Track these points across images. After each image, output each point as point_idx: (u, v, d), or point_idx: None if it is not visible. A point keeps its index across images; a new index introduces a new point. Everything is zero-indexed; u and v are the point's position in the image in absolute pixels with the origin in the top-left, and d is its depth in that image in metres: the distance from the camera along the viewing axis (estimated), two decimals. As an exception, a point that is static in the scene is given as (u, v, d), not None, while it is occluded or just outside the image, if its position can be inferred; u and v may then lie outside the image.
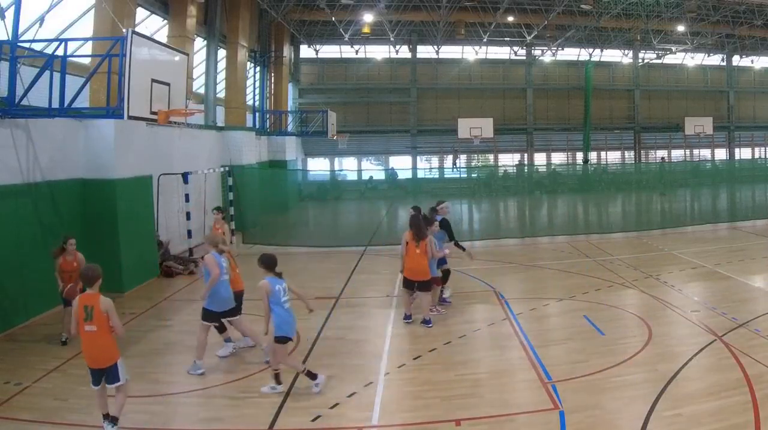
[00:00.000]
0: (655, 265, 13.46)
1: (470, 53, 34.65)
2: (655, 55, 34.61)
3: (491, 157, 36.52)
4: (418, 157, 35.09)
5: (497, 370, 7.68)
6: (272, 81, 27.81)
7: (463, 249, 10.91)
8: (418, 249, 9.33)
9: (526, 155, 36.05)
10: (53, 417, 6.39)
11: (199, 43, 20.26)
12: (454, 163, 34.49)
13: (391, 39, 31.56)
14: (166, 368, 7.94)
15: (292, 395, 6.94)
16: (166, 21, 17.58)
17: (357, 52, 33.38)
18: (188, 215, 15.15)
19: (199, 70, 20.77)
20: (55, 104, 9.66)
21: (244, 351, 8.41)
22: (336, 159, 35.57)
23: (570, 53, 35.25)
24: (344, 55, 34.09)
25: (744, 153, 38.59)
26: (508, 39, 33.58)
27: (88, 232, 11.32)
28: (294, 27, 28.40)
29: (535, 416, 6.29)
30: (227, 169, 18.37)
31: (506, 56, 35.06)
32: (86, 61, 12.46)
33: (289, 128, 28.74)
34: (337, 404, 6.65)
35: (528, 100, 35.60)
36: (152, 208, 13.56)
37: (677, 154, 38.15)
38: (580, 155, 36.00)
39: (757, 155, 38.66)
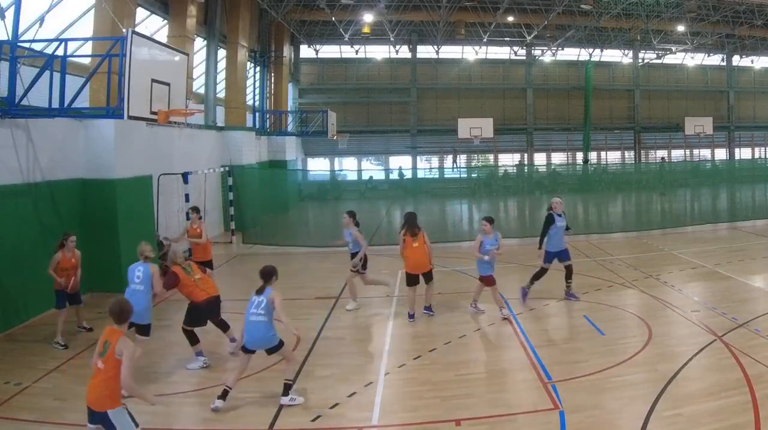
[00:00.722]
0: (655, 265, 13.46)
1: (470, 53, 34.66)
2: (655, 55, 34.62)
3: (491, 157, 36.52)
4: (418, 157, 35.09)
5: (497, 370, 7.69)
6: (272, 81, 27.81)
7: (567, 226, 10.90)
8: (415, 243, 9.67)
9: (526, 155, 36.05)
10: (53, 417, 6.39)
11: (199, 43, 20.26)
12: (454, 164, 34.49)
13: (391, 39, 31.56)
14: (166, 368, 7.94)
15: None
16: (166, 21, 17.58)
17: (357, 52, 33.39)
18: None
19: (199, 70, 20.76)
20: (55, 104, 9.67)
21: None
22: (336, 159, 35.57)
23: (570, 53, 35.26)
24: (344, 55, 34.09)
25: (744, 153, 38.59)
26: (508, 39, 33.59)
27: (88, 232, 11.33)
28: (294, 27, 28.40)
29: (535, 416, 6.29)
30: (227, 169, 18.37)
31: (506, 56, 35.07)
32: (86, 61, 12.45)
33: (289, 128, 28.74)
34: (337, 404, 6.65)
35: (528, 100, 35.60)
36: (152, 208, 13.55)
37: (677, 154, 38.15)
38: (580, 155, 36.00)
39: (757, 155, 38.67)
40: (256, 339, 6.71)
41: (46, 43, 10.63)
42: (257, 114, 25.54)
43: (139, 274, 7.74)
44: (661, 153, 37.88)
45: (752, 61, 37.37)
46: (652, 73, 36.66)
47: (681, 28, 28.75)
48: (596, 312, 9.88)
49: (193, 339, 7.96)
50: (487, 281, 9.80)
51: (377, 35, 30.96)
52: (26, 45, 9.89)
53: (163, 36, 17.30)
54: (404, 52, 34.40)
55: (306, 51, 33.55)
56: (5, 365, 7.92)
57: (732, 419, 5.96)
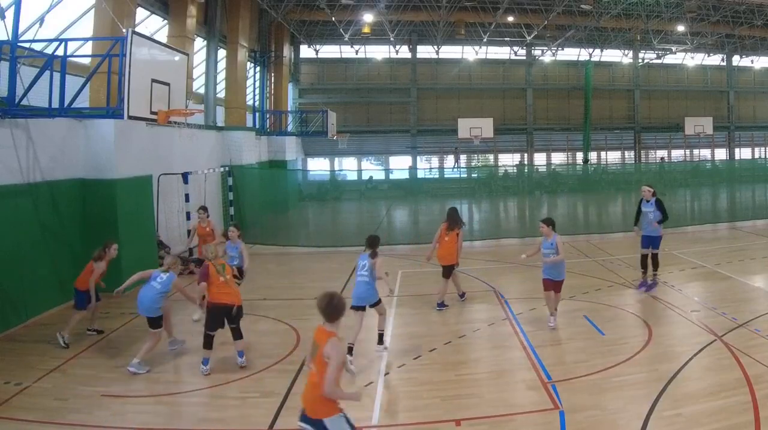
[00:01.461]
0: (655, 265, 13.43)
1: (470, 53, 34.64)
2: (655, 55, 34.60)
3: (491, 157, 36.52)
4: (418, 157, 35.09)
5: (497, 370, 7.68)
6: (272, 81, 27.81)
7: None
8: (447, 237, 10.41)
9: (526, 155, 36.05)
10: (53, 417, 6.39)
11: (199, 43, 20.26)
12: (455, 164, 34.49)
13: (391, 39, 31.55)
14: (167, 368, 7.94)
15: (292, 395, 6.93)
16: (166, 21, 17.58)
17: (357, 52, 33.38)
18: (188, 215, 15.14)
19: (199, 70, 20.76)
20: (55, 104, 9.66)
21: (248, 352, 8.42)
22: (336, 159, 35.57)
23: (570, 53, 35.25)
24: (344, 55, 34.08)
25: (744, 153, 38.57)
26: (508, 39, 33.59)
27: (88, 232, 11.35)
28: (294, 27, 28.41)
29: (535, 416, 6.29)
30: (227, 169, 18.37)
31: (506, 56, 35.05)
32: (86, 61, 12.45)
33: (289, 128, 28.74)
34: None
35: (528, 100, 35.60)
36: (152, 208, 13.56)
37: (677, 154, 38.12)
38: (580, 155, 35.98)
39: (757, 155, 38.63)
40: (361, 296, 8.14)
41: (46, 43, 10.65)
42: (257, 114, 25.54)
43: (162, 279, 8.04)
44: (661, 153, 37.88)
45: (752, 61, 37.35)
46: (652, 73, 36.65)
47: (681, 28, 28.74)
48: (596, 312, 9.87)
49: (206, 343, 7.70)
50: (547, 285, 9.19)
51: (377, 35, 30.95)
52: (26, 45, 9.88)
53: (163, 36, 17.30)
54: (404, 52, 34.40)
55: (306, 51, 33.55)
56: (5, 365, 7.92)
57: (732, 419, 5.95)
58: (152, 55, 10.25)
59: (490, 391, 7.02)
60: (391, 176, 32.21)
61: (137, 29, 12.52)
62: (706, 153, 38.65)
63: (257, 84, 25.76)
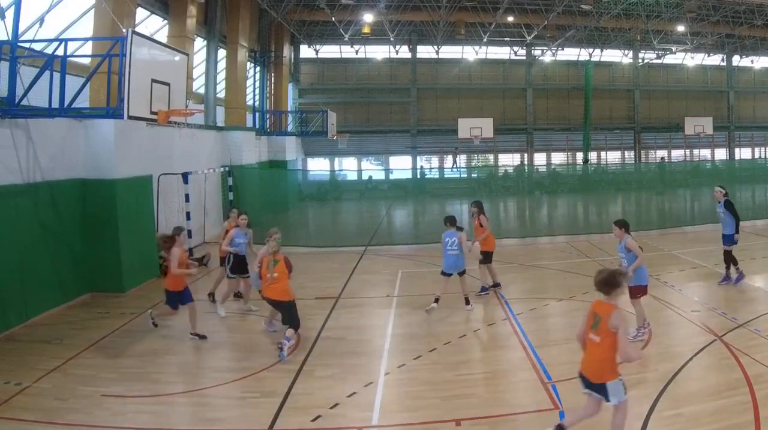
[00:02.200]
0: (655, 265, 13.39)
1: (470, 53, 34.64)
2: (655, 55, 34.60)
3: (491, 157, 36.53)
4: (418, 157, 35.10)
5: (497, 370, 7.68)
6: (272, 81, 27.82)
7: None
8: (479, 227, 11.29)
9: (526, 155, 36.05)
10: (53, 417, 6.39)
11: (199, 43, 20.26)
12: (454, 164, 34.48)
13: (391, 39, 31.55)
14: (166, 368, 7.94)
15: (292, 395, 6.94)
16: (166, 21, 17.58)
17: (357, 52, 33.37)
18: (188, 215, 15.14)
19: (199, 70, 20.76)
20: (55, 104, 9.65)
21: (240, 348, 8.42)
22: (336, 159, 35.57)
23: (570, 53, 35.25)
24: (344, 55, 34.08)
25: (744, 153, 38.57)
26: (508, 39, 33.59)
27: (88, 232, 11.35)
28: (294, 27, 28.40)
29: (535, 416, 6.29)
30: (227, 169, 18.37)
31: (506, 56, 35.06)
32: (86, 61, 12.45)
33: (289, 128, 28.74)
34: (337, 404, 6.65)
35: (528, 100, 35.60)
36: (152, 208, 13.56)
37: (677, 154, 38.12)
38: (580, 155, 35.97)
39: (757, 155, 38.63)
40: (452, 266, 10.00)
41: (46, 43, 10.64)
42: (257, 114, 25.54)
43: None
44: (661, 153, 37.87)
45: (752, 61, 37.35)
46: (652, 73, 36.66)
47: (681, 28, 28.73)
48: (596, 312, 9.84)
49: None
50: (640, 291, 8.54)
51: (377, 35, 30.94)
52: (26, 45, 9.87)
53: (163, 36, 17.30)
54: (404, 52, 34.40)
55: (306, 51, 33.55)
56: (5, 365, 7.91)
57: (732, 419, 5.95)
58: (152, 55, 10.24)
59: (490, 391, 7.02)
60: (391, 176, 32.21)
61: (137, 29, 12.53)
62: (706, 153, 38.65)
63: (257, 84, 25.75)
